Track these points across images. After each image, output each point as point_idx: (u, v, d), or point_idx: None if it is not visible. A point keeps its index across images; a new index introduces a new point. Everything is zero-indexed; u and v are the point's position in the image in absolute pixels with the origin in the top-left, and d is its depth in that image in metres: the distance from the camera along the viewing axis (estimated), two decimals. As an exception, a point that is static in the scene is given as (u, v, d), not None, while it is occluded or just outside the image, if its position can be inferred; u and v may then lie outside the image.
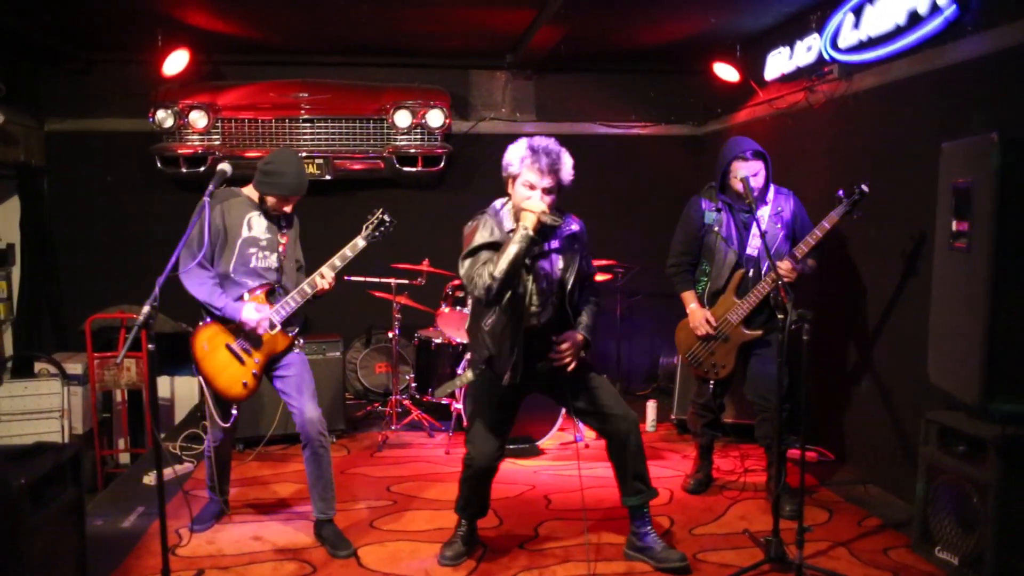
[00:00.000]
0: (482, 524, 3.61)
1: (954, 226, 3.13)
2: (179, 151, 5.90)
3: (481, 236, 3.13)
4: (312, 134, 6.06)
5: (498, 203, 3.28)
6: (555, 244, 3.24)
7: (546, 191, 3.08)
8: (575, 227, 3.30)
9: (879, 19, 4.16)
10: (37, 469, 2.78)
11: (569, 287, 3.24)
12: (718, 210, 3.98)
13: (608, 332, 6.25)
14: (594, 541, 3.63)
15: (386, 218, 3.64)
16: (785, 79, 5.31)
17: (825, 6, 4.69)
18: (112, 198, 6.34)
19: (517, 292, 3.09)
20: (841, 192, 3.78)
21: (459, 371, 5.17)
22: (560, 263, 3.24)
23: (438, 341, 5.44)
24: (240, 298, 3.50)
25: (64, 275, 6.29)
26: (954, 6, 3.66)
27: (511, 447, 4.77)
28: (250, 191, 3.60)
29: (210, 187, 3.14)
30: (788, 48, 5.18)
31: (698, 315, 4.00)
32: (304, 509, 3.94)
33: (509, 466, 4.63)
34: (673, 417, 5.47)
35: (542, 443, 5.00)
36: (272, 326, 3.50)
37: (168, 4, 4.98)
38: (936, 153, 3.29)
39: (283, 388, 3.62)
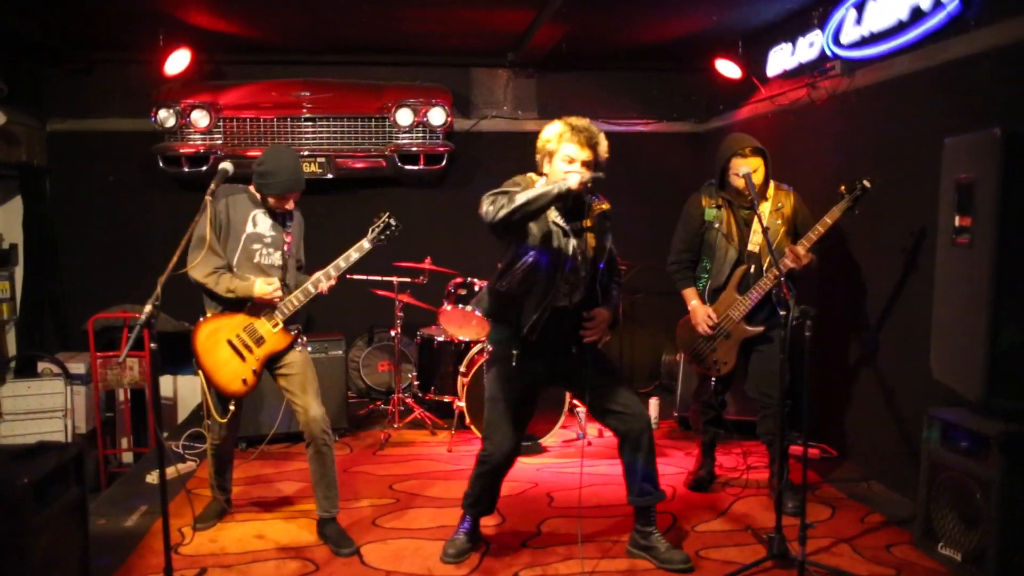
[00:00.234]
0: (484, 521, 3.61)
1: (957, 222, 3.13)
2: (181, 150, 5.90)
3: (509, 187, 3.08)
4: (314, 133, 6.06)
5: (532, 175, 3.23)
6: (589, 223, 3.21)
7: (584, 164, 3.06)
8: (606, 205, 3.29)
9: (881, 15, 4.14)
10: (40, 468, 2.78)
11: (601, 267, 3.24)
12: (718, 207, 3.98)
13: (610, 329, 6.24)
14: (596, 538, 3.63)
15: (392, 222, 3.64)
16: (787, 75, 5.30)
17: (827, 2, 4.68)
18: (114, 198, 6.35)
19: (542, 264, 3.06)
20: (843, 188, 3.78)
21: (462, 369, 5.17)
22: (594, 242, 3.23)
23: (440, 339, 5.44)
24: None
25: (66, 275, 6.30)
26: (957, 1, 3.64)
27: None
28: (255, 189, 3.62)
29: (212, 186, 3.15)
30: (790, 44, 5.17)
31: (699, 312, 3.99)
32: (307, 507, 3.95)
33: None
34: (676, 414, 5.47)
35: (545, 441, 5.00)
36: (275, 324, 3.51)
37: (169, 4, 4.97)
38: (939, 149, 3.28)
39: (287, 386, 3.62)
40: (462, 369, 5.16)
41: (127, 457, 5.69)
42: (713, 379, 4.10)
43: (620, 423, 3.32)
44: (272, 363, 3.61)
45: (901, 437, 4.15)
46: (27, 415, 5.20)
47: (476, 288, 5.21)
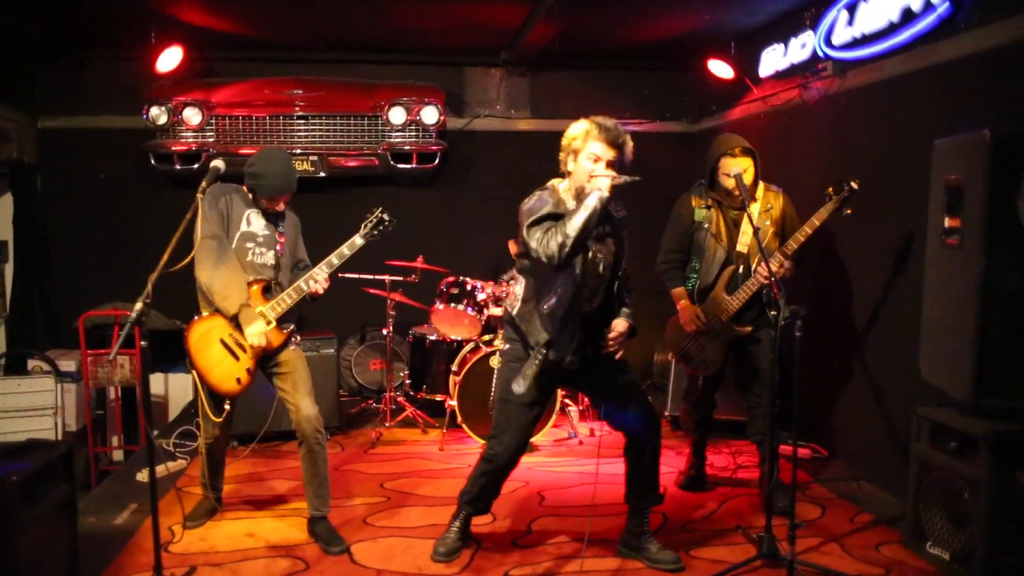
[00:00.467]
0: (475, 520, 3.61)
1: (946, 223, 3.15)
2: (173, 148, 5.88)
3: (545, 208, 3.04)
4: (306, 131, 6.05)
5: (554, 181, 3.21)
6: (609, 228, 3.22)
7: (609, 164, 3.05)
8: (623, 212, 3.30)
9: (873, 16, 4.16)
10: (29, 466, 2.77)
11: (620, 272, 3.25)
12: (708, 207, 3.99)
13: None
14: (591, 537, 3.64)
15: (385, 217, 3.63)
16: (779, 76, 5.32)
17: (819, 3, 4.69)
18: (106, 195, 6.32)
19: (576, 274, 3.05)
20: (831, 189, 3.78)
21: (454, 368, 5.18)
22: (614, 247, 3.23)
23: (432, 338, 5.44)
24: None
25: (57, 272, 6.28)
26: (947, 3, 3.66)
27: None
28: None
29: (203, 184, 3.14)
30: (782, 45, 5.19)
31: (688, 312, 4.00)
32: (298, 506, 3.94)
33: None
34: (667, 414, 5.47)
35: (536, 440, 5.00)
36: (268, 323, 3.51)
37: (161, 1, 4.96)
38: (929, 150, 3.30)
39: (280, 385, 3.62)
40: (454, 368, 5.16)
41: (117, 455, 5.68)
42: (701, 378, 4.11)
43: (631, 424, 3.32)
44: (265, 362, 3.60)
45: (890, 437, 4.17)
46: (17, 413, 5.17)
47: (468, 287, 5.21)
